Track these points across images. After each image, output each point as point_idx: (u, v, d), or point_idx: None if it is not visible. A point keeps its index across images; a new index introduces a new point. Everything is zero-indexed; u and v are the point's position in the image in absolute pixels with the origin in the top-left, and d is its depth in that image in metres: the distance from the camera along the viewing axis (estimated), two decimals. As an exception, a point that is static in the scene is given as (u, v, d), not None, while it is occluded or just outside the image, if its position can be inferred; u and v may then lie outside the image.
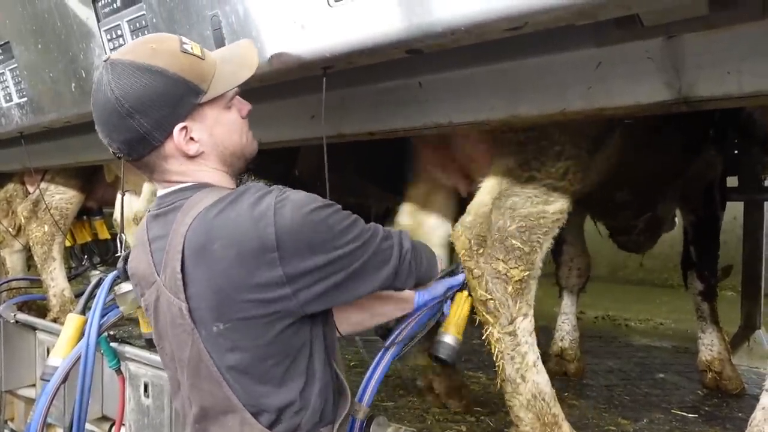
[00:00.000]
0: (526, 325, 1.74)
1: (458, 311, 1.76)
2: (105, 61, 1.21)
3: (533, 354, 1.75)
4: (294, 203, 1.15)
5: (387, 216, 3.71)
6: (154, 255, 1.25)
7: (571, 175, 1.73)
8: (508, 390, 1.76)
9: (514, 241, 1.70)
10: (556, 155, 1.72)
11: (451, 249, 1.94)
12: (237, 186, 1.31)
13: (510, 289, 1.71)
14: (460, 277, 1.80)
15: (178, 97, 1.18)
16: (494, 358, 1.75)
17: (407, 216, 2.31)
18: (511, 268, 1.70)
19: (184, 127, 1.20)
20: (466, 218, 1.82)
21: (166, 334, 1.25)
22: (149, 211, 1.32)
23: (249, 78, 1.28)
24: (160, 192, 1.30)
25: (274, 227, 1.11)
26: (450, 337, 1.73)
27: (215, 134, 1.24)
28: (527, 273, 1.71)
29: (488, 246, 1.74)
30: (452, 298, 1.79)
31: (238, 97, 1.30)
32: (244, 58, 1.31)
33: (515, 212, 1.72)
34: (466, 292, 1.78)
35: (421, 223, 2.28)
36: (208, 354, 1.17)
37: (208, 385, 1.19)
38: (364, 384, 1.66)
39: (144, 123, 1.17)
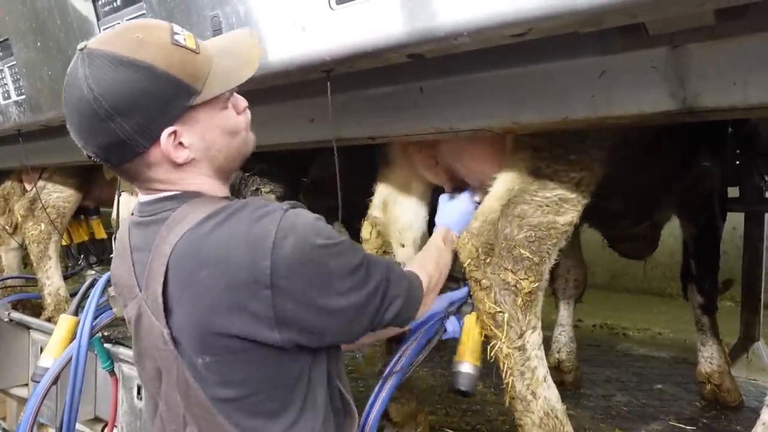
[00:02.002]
0: (535, 339, 1.66)
1: (471, 335, 1.69)
2: (80, 50, 1.02)
3: (543, 368, 1.68)
4: (297, 236, 1.01)
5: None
6: (136, 266, 1.13)
7: (584, 187, 1.67)
8: (518, 408, 1.67)
9: (522, 251, 1.63)
10: (570, 164, 1.66)
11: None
12: (229, 190, 1.20)
13: (519, 301, 1.63)
14: (463, 291, 1.72)
15: (167, 99, 1.02)
16: (503, 375, 1.67)
17: (379, 210, 2.17)
18: (521, 279, 1.62)
19: (173, 132, 1.04)
20: (474, 224, 1.73)
21: (149, 354, 1.14)
22: (132, 214, 1.19)
23: (250, 77, 1.13)
24: (142, 198, 1.16)
25: (270, 260, 0.98)
26: (467, 365, 1.66)
27: (208, 139, 1.08)
28: (537, 284, 1.64)
29: (496, 255, 1.66)
30: (458, 318, 1.72)
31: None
32: (245, 52, 1.14)
33: (524, 221, 1.65)
34: (475, 314, 1.70)
35: (396, 219, 2.16)
36: (195, 383, 1.05)
37: (198, 410, 1.08)
38: (364, 417, 1.58)
39: (126, 126, 1.01)
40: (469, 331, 1.70)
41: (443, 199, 1.90)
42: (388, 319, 1.17)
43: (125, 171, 1.10)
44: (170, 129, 1.04)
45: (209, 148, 1.10)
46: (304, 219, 1.05)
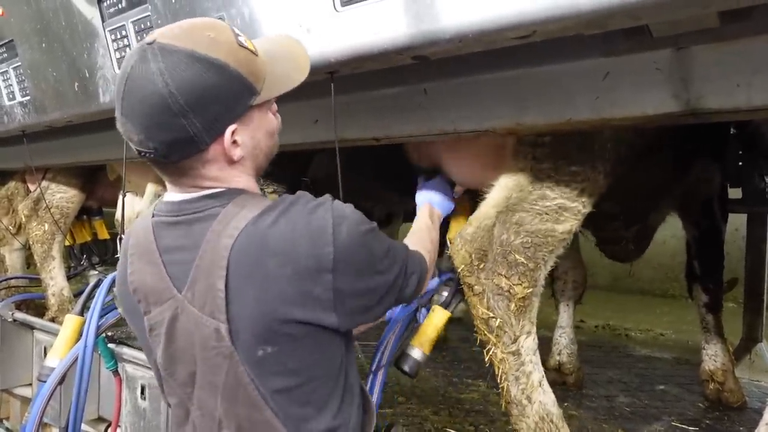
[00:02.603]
0: (529, 344, 1.67)
1: (431, 325, 1.74)
2: (150, 44, 1.02)
3: (538, 373, 1.69)
4: (350, 222, 1.08)
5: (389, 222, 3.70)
6: (169, 268, 1.11)
7: (586, 197, 1.67)
8: (514, 413, 1.68)
9: (517, 256, 1.64)
10: (573, 175, 1.66)
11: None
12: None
13: (513, 306, 1.64)
14: (434, 282, 1.79)
15: (235, 97, 1.05)
16: (498, 380, 1.69)
17: None
18: (514, 284, 1.63)
19: (234, 130, 1.07)
20: (467, 230, 1.75)
21: (185, 358, 1.12)
22: (154, 216, 1.17)
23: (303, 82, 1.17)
24: (179, 197, 1.13)
25: (333, 246, 1.04)
26: (418, 351, 1.71)
27: (256, 138, 1.12)
28: (530, 290, 1.65)
29: (490, 261, 1.68)
30: (428, 308, 1.77)
31: None
32: (294, 58, 1.19)
33: (522, 227, 1.66)
34: (439, 307, 1.76)
35: None
36: (249, 378, 1.06)
37: (246, 410, 1.08)
38: None
39: (197, 123, 1.02)
40: (431, 322, 1.75)
41: (420, 179, 1.96)
42: (407, 295, 1.25)
43: (178, 167, 1.09)
44: (233, 126, 1.06)
45: (255, 147, 1.13)
46: (348, 208, 1.12)
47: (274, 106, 1.18)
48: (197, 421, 1.15)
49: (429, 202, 1.82)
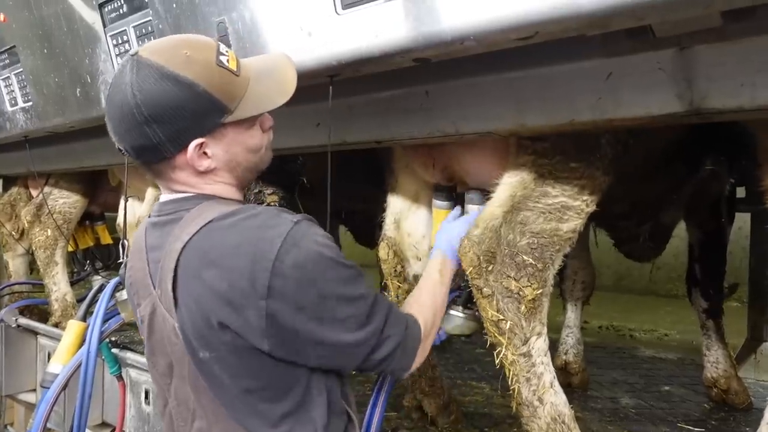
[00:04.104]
0: (540, 345, 1.66)
1: None
2: (132, 55, 1.10)
3: (549, 374, 1.68)
4: (304, 253, 1.03)
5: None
6: (151, 265, 1.18)
7: (587, 195, 1.66)
8: (525, 414, 1.66)
9: (525, 258, 1.62)
10: (572, 171, 1.65)
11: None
12: (244, 196, 1.25)
13: (523, 308, 1.62)
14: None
15: (201, 114, 1.09)
16: (509, 382, 1.67)
17: (392, 229, 2.20)
18: (523, 286, 1.61)
19: (201, 144, 1.11)
20: (474, 232, 1.71)
21: (162, 350, 1.18)
22: (149, 216, 1.26)
23: (282, 105, 1.19)
24: (163, 197, 1.23)
25: (270, 273, 1.01)
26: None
27: (231, 152, 1.16)
28: (540, 291, 1.63)
29: (498, 263, 1.65)
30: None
31: None
32: (280, 80, 1.21)
33: (526, 227, 1.64)
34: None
35: (409, 234, 2.19)
36: (201, 377, 1.10)
37: (207, 402, 1.13)
38: (367, 419, 1.60)
39: (160, 133, 1.08)
40: None
41: (446, 220, 1.85)
42: (377, 360, 1.15)
43: (151, 170, 1.17)
44: (199, 141, 1.11)
45: (231, 160, 1.16)
46: (312, 236, 1.07)
47: (267, 122, 1.22)
48: (173, 410, 1.20)
49: (444, 251, 1.66)
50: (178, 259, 1.08)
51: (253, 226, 1.07)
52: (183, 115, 1.07)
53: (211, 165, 1.14)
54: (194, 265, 1.07)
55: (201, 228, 1.08)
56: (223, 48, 1.14)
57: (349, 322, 1.09)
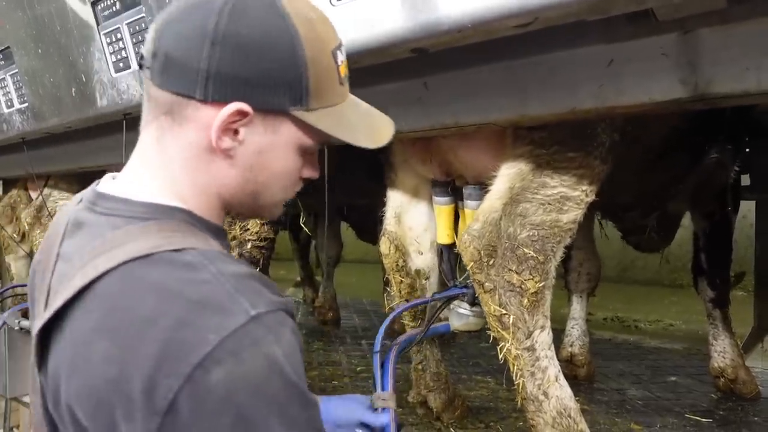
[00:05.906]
0: (544, 338, 1.64)
1: None
2: None
3: (554, 368, 1.66)
4: (240, 371, 0.66)
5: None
6: (54, 279, 0.80)
7: (586, 184, 1.64)
8: (530, 408, 1.65)
9: (526, 250, 1.60)
10: (569, 161, 1.64)
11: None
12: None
13: (525, 301, 1.60)
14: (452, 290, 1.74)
15: (277, 80, 0.79)
16: (513, 376, 1.66)
17: (393, 224, 2.23)
18: (525, 279, 1.59)
19: (244, 113, 0.78)
20: (474, 226, 1.69)
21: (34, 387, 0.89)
22: (81, 201, 0.85)
23: (357, 146, 0.87)
24: (105, 185, 0.84)
25: (181, 384, 0.65)
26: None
27: (260, 157, 0.82)
28: (542, 284, 1.61)
29: (499, 256, 1.63)
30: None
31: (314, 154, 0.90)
32: (374, 127, 0.93)
33: (526, 219, 1.62)
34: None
35: (410, 228, 2.22)
36: None
37: None
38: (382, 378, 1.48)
39: (216, 62, 0.76)
40: None
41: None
42: None
43: (160, 102, 0.81)
44: (245, 107, 0.78)
45: (252, 168, 0.83)
46: (268, 347, 0.68)
47: (312, 168, 0.90)
48: None
49: None
50: (68, 302, 0.73)
51: (189, 298, 0.69)
52: (260, 64, 0.78)
53: (229, 152, 0.80)
54: (87, 325, 0.72)
55: (118, 266, 0.72)
56: (343, 50, 0.88)
57: None
